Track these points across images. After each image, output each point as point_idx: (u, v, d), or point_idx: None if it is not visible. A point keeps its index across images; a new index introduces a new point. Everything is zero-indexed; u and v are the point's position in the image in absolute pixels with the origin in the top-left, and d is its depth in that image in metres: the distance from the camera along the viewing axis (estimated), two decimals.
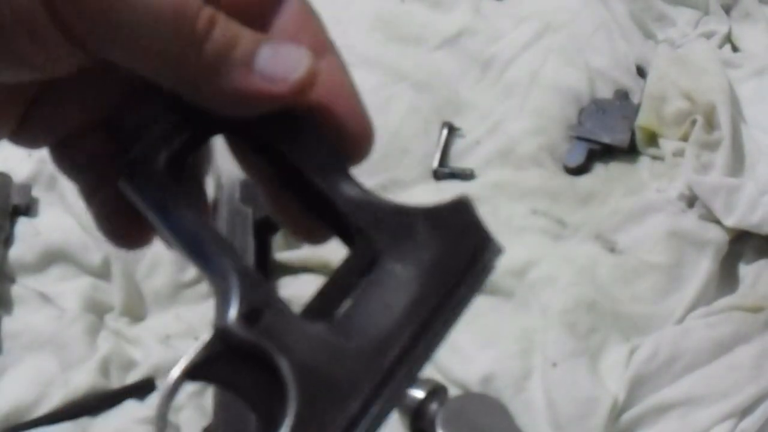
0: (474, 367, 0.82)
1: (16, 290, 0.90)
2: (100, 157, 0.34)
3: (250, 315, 0.29)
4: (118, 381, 0.84)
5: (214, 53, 0.29)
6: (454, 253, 0.31)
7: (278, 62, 0.30)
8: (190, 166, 0.34)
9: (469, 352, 0.84)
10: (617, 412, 0.79)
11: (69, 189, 0.95)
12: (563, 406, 0.79)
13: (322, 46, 0.32)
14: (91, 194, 0.34)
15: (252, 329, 0.29)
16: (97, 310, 0.89)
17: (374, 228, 0.31)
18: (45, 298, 0.90)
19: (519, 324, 0.86)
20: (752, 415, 0.80)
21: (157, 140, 0.32)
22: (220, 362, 0.29)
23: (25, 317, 0.88)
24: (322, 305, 0.30)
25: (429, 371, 0.82)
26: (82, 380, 0.83)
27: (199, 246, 0.30)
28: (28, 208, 0.95)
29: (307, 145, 0.31)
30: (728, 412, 0.79)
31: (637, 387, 0.80)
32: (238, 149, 0.35)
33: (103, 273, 0.91)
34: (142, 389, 0.84)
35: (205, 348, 0.29)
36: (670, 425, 0.79)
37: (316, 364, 0.28)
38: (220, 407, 0.79)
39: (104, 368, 0.84)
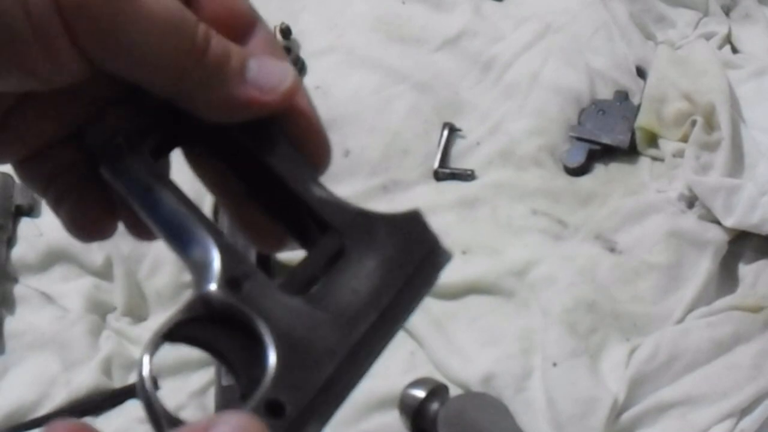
0: (475, 367, 0.82)
1: (19, 290, 0.91)
2: (65, 169, 0.35)
3: (231, 282, 0.31)
4: (120, 381, 0.85)
5: (213, 64, 0.32)
6: (410, 253, 0.34)
7: (266, 74, 0.33)
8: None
9: (469, 352, 0.84)
10: (617, 411, 0.79)
11: None
12: (563, 406, 0.79)
13: None
14: (58, 203, 0.35)
15: (234, 295, 0.31)
16: (100, 310, 0.89)
17: (342, 225, 0.33)
18: (47, 298, 0.90)
19: (519, 324, 0.86)
20: (752, 414, 0.80)
21: (138, 132, 0.34)
22: (200, 325, 0.31)
23: (28, 317, 0.89)
24: (295, 284, 0.32)
25: (430, 371, 0.83)
26: (84, 380, 0.83)
27: (180, 223, 0.33)
28: (30, 209, 0.96)
29: (280, 151, 0.34)
30: (728, 411, 0.79)
31: (637, 386, 0.81)
32: (197, 162, 0.36)
33: (105, 273, 0.91)
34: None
35: (186, 311, 0.31)
36: (670, 425, 0.80)
37: (293, 330, 0.31)
38: (221, 406, 0.80)
39: (106, 368, 0.84)
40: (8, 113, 0.33)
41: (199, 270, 0.31)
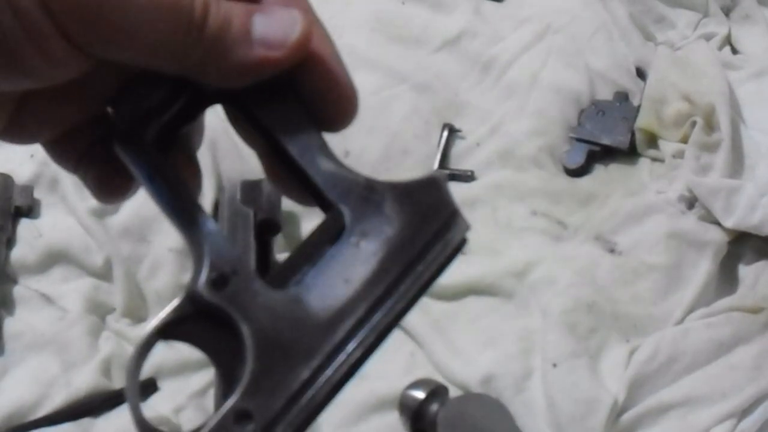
0: (474, 368, 0.82)
1: (18, 291, 0.91)
2: (93, 144, 0.35)
3: (217, 281, 0.31)
4: (119, 382, 0.84)
5: (213, 36, 0.30)
6: (418, 229, 0.32)
7: (274, 28, 0.31)
8: (184, 138, 0.35)
9: (469, 353, 0.84)
10: (617, 412, 0.79)
11: (70, 190, 0.95)
12: (563, 407, 0.79)
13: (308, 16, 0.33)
14: (86, 174, 0.35)
15: (218, 294, 0.31)
16: (99, 311, 0.89)
17: (344, 202, 0.32)
18: (47, 298, 0.90)
19: (519, 325, 0.86)
20: (752, 415, 0.80)
21: (150, 112, 0.33)
22: (190, 323, 0.31)
23: (27, 318, 0.89)
24: (288, 273, 0.32)
25: (430, 372, 0.83)
26: (83, 381, 0.83)
27: (178, 214, 0.32)
28: (30, 210, 0.95)
29: (284, 115, 0.33)
30: (728, 412, 0.79)
31: (636, 387, 0.81)
32: (233, 117, 0.36)
33: (104, 274, 0.91)
34: (143, 390, 0.84)
35: (176, 309, 0.31)
36: (670, 425, 0.80)
37: (274, 332, 0.30)
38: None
39: (106, 369, 0.84)
40: (27, 101, 0.33)
41: (193, 264, 0.31)
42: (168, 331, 0.31)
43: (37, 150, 0.99)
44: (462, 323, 0.87)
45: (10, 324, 0.88)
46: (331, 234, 0.32)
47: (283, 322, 0.30)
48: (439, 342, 0.85)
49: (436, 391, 0.78)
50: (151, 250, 0.92)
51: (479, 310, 0.88)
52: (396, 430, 0.79)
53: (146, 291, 0.91)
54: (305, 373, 0.30)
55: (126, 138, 0.33)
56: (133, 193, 0.36)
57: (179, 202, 0.32)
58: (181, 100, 0.33)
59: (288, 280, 0.31)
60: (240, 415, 0.29)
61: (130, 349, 0.87)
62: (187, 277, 0.90)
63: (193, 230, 0.32)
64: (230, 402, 0.30)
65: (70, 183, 0.96)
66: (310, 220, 0.93)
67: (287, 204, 0.94)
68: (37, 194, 0.97)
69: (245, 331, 0.30)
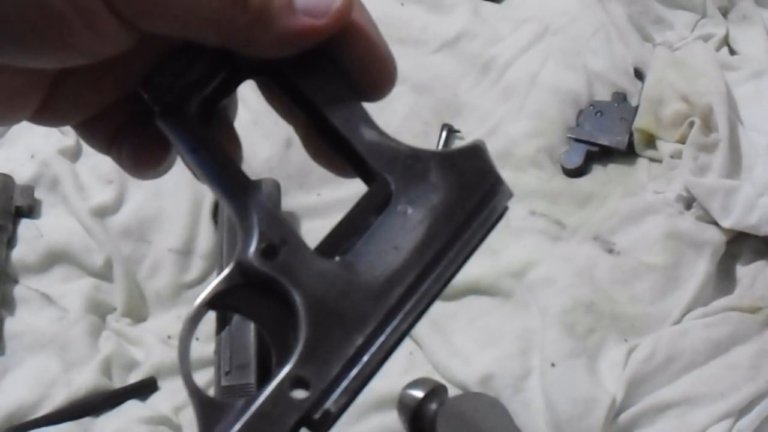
0: (473, 367, 0.82)
1: (19, 291, 0.91)
2: (126, 123, 0.35)
3: (267, 250, 0.31)
4: (120, 381, 0.85)
5: (258, 6, 0.30)
6: (463, 196, 0.32)
7: None
8: (221, 111, 0.36)
9: (468, 353, 0.84)
10: (615, 412, 0.80)
11: (71, 191, 0.96)
12: (562, 406, 0.79)
13: None
14: (119, 154, 0.36)
15: (269, 263, 0.31)
16: (99, 311, 0.89)
17: (388, 171, 0.32)
18: (47, 298, 0.90)
19: (518, 324, 0.86)
20: (749, 414, 0.80)
21: (192, 85, 0.33)
22: (240, 293, 0.31)
23: (28, 318, 0.89)
24: (335, 243, 0.32)
25: (429, 371, 0.83)
26: (84, 380, 0.83)
27: (224, 184, 0.32)
28: (30, 210, 0.96)
29: (325, 85, 0.33)
30: (725, 412, 0.80)
31: (635, 387, 0.81)
32: (269, 92, 0.36)
33: (105, 274, 0.91)
34: (143, 389, 0.84)
35: (226, 279, 0.31)
36: (668, 425, 0.80)
37: (326, 299, 0.30)
38: None
39: (106, 368, 0.85)
40: (61, 83, 0.33)
41: (241, 234, 0.31)
42: (217, 301, 0.31)
43: (37, 150, 0.99)
44: (461, 323, 0.87)
45: (11, 324, 0.88)
46: (377, 203, 0.32)
47: (335, 289, 0.31)
48: (437, 341, 0.85)
49: (435, 391, 0.78)
50: (151, 250, 0.92)
51: (478, 310, 0.88)
52: (395, 429, 0.79)
53: (146, 291, 0.91)
54: (359, 340, 0.30)
55: (169, 111, 0.33)
56: (170, 167, 0.36)
57: (226, 173, 0.32)
58: (221, 73, 0.33)
59: (336, 250, 0.32)
60: (296, 382, 0.29)
61: (130, 349, 0.87)
62: (186, 278, 0.91)
63: (242, 200, 0.32)
64: (285, 369, 0.30)
65: (70, 183, 0.96)
66: (310, 220, 0.94)
67: (287, 204, 0.94)
68: (37, 194, 0.97)
69: (298, 299, 0.30)
